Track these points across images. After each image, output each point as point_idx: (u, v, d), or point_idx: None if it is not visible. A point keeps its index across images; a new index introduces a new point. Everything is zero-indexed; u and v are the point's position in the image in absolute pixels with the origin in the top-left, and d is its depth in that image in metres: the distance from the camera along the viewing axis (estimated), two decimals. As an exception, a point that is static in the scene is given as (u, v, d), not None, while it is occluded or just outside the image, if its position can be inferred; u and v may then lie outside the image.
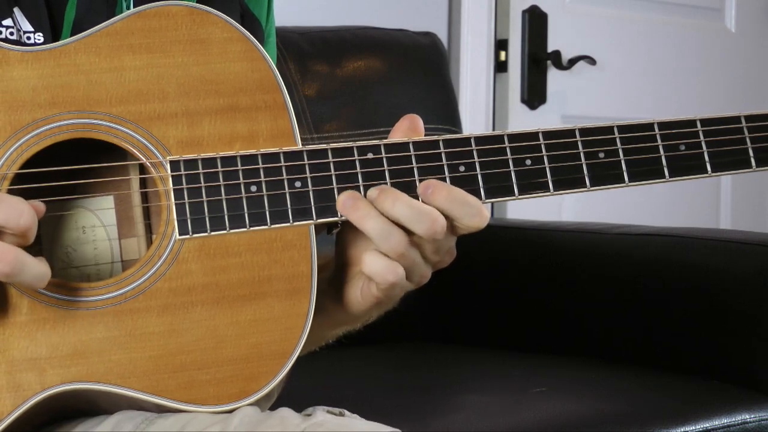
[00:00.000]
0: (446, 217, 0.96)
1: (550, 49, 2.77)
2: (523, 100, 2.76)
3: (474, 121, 2.66)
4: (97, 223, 0.98)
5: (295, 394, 1.02)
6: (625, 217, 2.38)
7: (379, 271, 0.95)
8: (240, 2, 1.15)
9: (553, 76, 2.79)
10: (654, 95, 2.95)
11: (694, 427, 1.59)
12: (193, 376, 0.91)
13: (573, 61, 2.78)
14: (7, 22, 1.02)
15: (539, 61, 2.76)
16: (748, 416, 1.66)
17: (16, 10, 1.03)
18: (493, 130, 2.73)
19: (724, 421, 1.63)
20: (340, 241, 1.00)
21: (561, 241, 2.09)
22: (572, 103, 2.81)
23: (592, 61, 2.79)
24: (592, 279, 2.00)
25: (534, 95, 2.76)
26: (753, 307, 1.79)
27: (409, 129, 0.98)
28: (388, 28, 2.30)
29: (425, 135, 0.99)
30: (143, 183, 0.98)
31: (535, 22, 2.76)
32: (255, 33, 1.03)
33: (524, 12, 2.75)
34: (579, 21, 2.84)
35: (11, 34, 1.02)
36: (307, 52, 2.13)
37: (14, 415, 0.89)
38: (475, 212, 0.96)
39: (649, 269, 1.93)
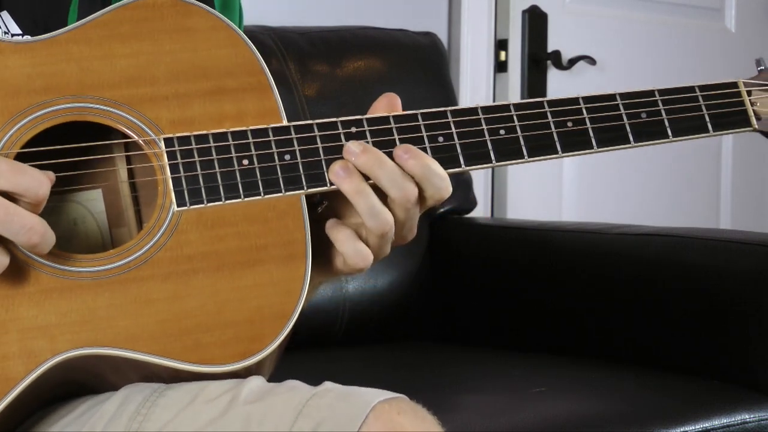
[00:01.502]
0: (416, 184, 1.00)
1: (550, 49, 2.78)
2: (523, 100, 2.76)
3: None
4: (87, 215, 1.01)
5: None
6: (625, 217, 2.38)
7: (350, 255, 0.99)
8: None
9: (553, 76, 2.79)
10: (654, 95, 2.95)
11: (694, 427, 1.59)
12: (198, 338, 0.94)
13: (573, 61, 2.78)
14: None
15: (539, 61, 2.76)
16: (748, 416, 1.66)
17: (3, 13, 1.07)
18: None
19: (724, 421, 1.63)
20: (325, 214, 1.03)
21: (561, 241, 2.09)
22: (572, 103, 2.81)
23: (592, 61, 2.79)
24: (592, 279, 2.00)
25: (534, 95, 2.76)
26: (753, 307, 1.79)
27: (387, 106, 1.03)
28: (388, 28, 2.30)
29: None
30: (132, 172, 1.02)
31: (535, 22, 2.76)
32: None
33: (524, 12, 2.75)
34: (579, 21, 2.84)
35: None
36: (307, 52, 2.13)
37: (27, 381, 0.91)
38: (444, 184, 1.00)
39: (649, 269, 1.93)
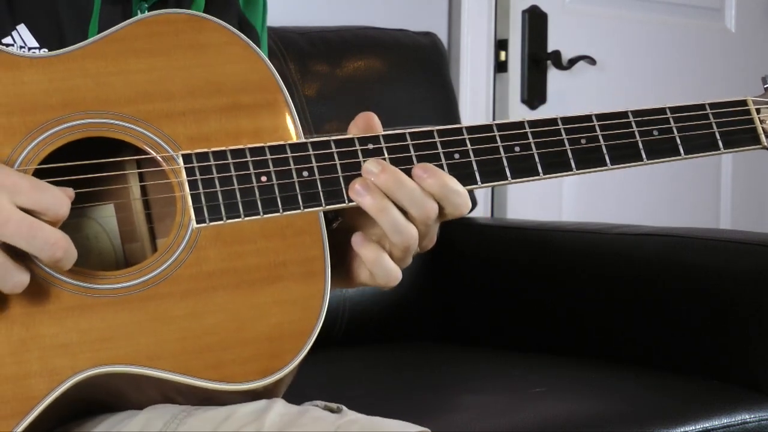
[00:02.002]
0: (436, 202, 1.00)
1: (550, 49, 2.78)
2: (523, 100, 2.76)
3: (474, 121, 2.66)
4: (100, 230, 1.00)
5: (294, 393, 1.02)
6: (625, 217, 2.38)
7: (380, 275, 1.00)
8: (237, 11, 1.19)
9: (553, 76, 2.79)
10: (654, 95, 2.95)
11: (694, 427, 1.59)
12: (219, 356, 0.94)
13: (573, 61, 2.78)
14: (7, 40, 1.06)
15: (539, 61, 2.76)
16: (748, 416, 1.66)
17: (20, 26, 1.06)
18: (493, 130, 2.73)
19: (724, 421, 1.63)
20: (341, 228, 1.03)
21: (561, 241, 2.09)
22: (572, 103, 2.81)
23: (592, 61, 2.79)
24: (592, 279, 2.00)
25: (534, 95, 2.76)
26: (753, 307, 1.79)
27: (364, 126, 1.01)
28: (388, 28, 2.30)
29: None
30: (144, 187, 1.01)
31: (535, 22, 2.76)
32: (251, 39, 1.06)
33: (524, 12, 2.75)
34: (579, 21, 2.84)
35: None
36: (307, 52, 2.13)
37: (49, 399, 0.90)
38: (462, 200, 1.00)
39: (649, 269, 1.93)
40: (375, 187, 0.97)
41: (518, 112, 2.75)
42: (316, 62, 2.13)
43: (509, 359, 1.95)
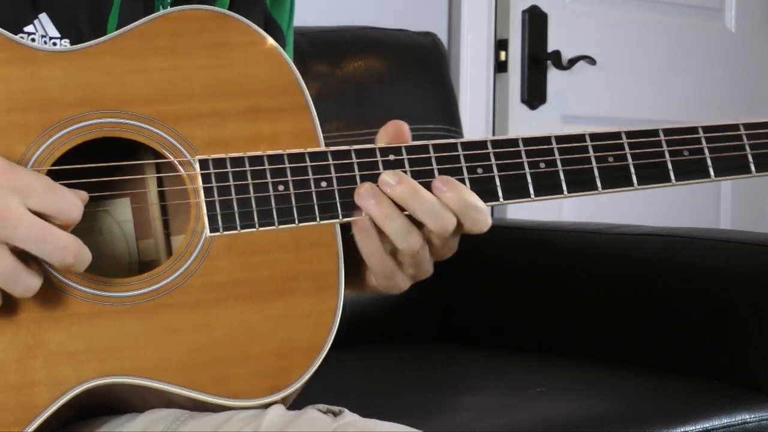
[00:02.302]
0: (455, 216, 0.98)
1: (550, 49, 2.77)
2: (523, 100, 2.76)
3: (474, 121, 2.66)
4: (114, 225, 0.99)
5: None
6: (625, 217, 2.38)
7: (388, 289, 0.99)
8: (263, 9, 1.17)
9: (553, 76, 2.79)
10: (654, 95, 2.95)
11: (694, 427, 1.59)
12: (226, 370, 0.92)
13: (573, 61, 2.78)
14: (29, 28, 1.03)
15: (539, 61, 2.76)
16: (748, 416, 1.66)
17: (42, 15, 1.04)
18: (493, 130, 2.73)
19: (724, 421, 1.63)
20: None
21: (561, 241, 2.09)
22: (572, 103, 2.81)
23: (592, 61, 2.79)
24: (592, 279, 2.00)
25: (534, 95, 2.76)
26: (753, 307, 1.79)
27: (394, 134, 0.99)
28: (388, 28, 2.30)
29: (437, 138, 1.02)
30: (161, 184, 0.99)
31: (535, 22, 2.76)
32: (276, 38, 1.05)
33: (524, 12, 2.75)
34: (579, 21, 2.84)
35: (33, 40, 1.02)
36: (307, 52, 2.13)
37: (52, 409, 0.89)
38: (482, 217, 0.99)
39: (649, 269, 1.93)
40: (381, 194, 0.96)
41: (518, 112, 2.75)
42: (316, 62, 2.13)
43: (509, 359, 1.95)
